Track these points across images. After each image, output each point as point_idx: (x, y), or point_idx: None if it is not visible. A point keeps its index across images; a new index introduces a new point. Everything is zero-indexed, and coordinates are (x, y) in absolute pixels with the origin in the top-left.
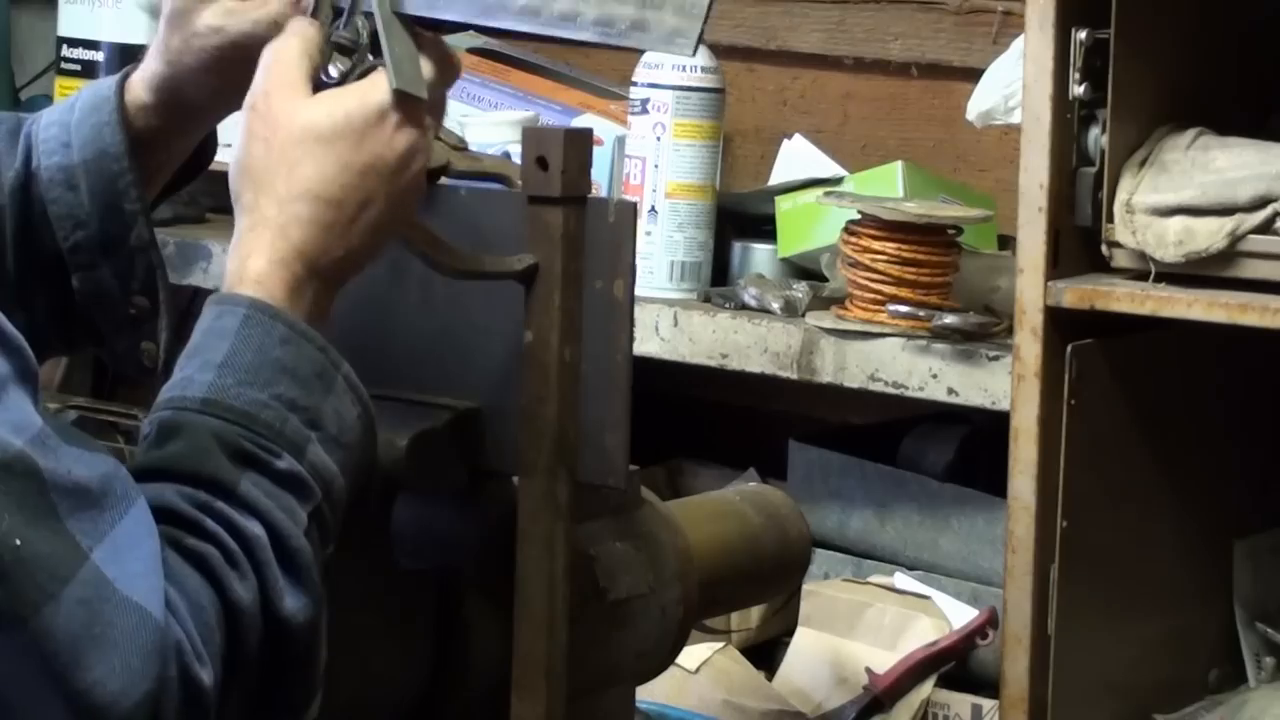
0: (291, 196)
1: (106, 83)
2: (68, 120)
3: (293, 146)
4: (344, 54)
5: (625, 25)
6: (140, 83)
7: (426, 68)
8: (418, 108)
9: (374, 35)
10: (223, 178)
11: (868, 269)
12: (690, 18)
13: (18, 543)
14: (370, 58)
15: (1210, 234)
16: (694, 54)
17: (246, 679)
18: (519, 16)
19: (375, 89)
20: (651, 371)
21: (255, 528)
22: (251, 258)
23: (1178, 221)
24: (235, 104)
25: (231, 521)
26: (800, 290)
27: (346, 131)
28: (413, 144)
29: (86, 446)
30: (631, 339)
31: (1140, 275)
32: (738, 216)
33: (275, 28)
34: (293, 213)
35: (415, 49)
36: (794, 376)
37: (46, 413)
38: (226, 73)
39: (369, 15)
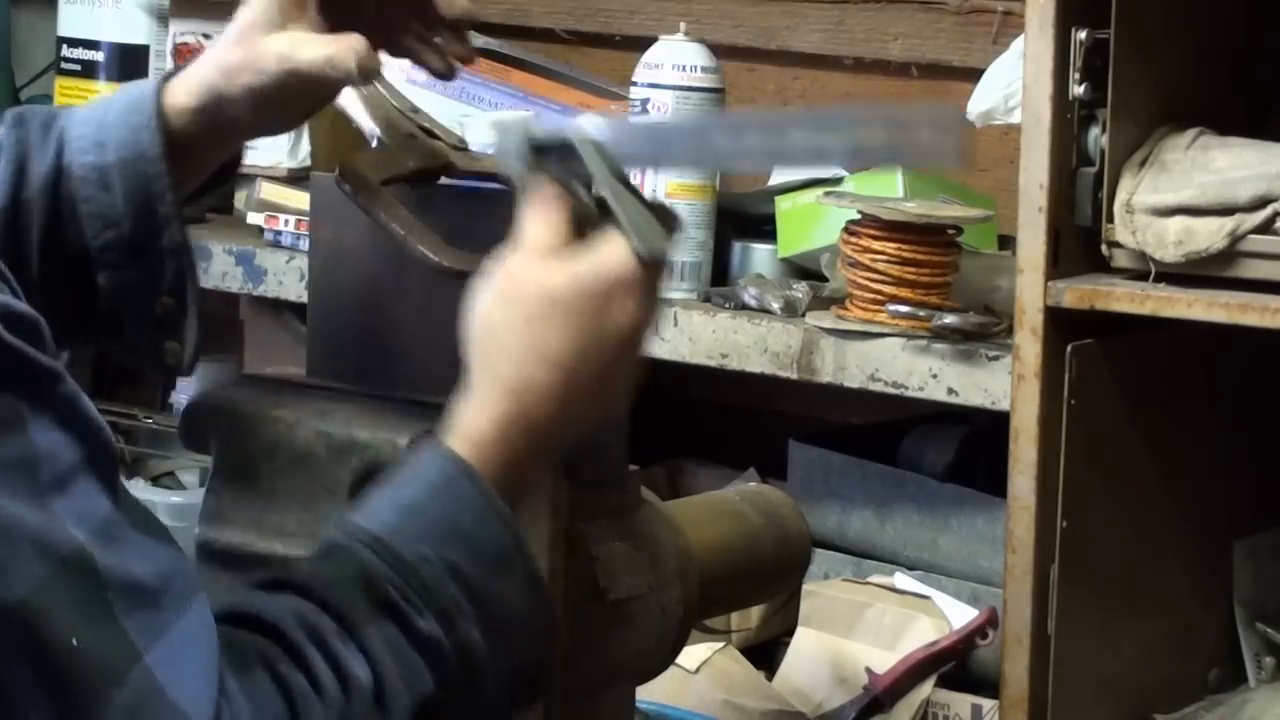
0: (530, 359)
1: (145, 84)
2: (104, 119)
3: (535, 310)
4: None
5: (879, 150)
6: (184, 89)
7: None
8: (655, 271)
9: (599, 200)
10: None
11: (868, 269)
12: (947, 131)
13: (75, 643)
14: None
15: (1210, 234)
16: (961, 164)
17: None
18: (760, 158)
19: (611, 256)
20: (652, 371)
21: (362, 672)
22: (479, 413)
23: (1178, 221)
24: (275, 129)
25: (338, 659)
26: (800, 290)
27: (587, 300)
28: (648, 311)
29: (152, 534)
30: None
31: (1140, 275)
32: (738, 216)
33: (340, 72)
34: (527, 376)
35: (645, 207)
36: (794, 376)
37: (122, 493)
38: (279, 100)
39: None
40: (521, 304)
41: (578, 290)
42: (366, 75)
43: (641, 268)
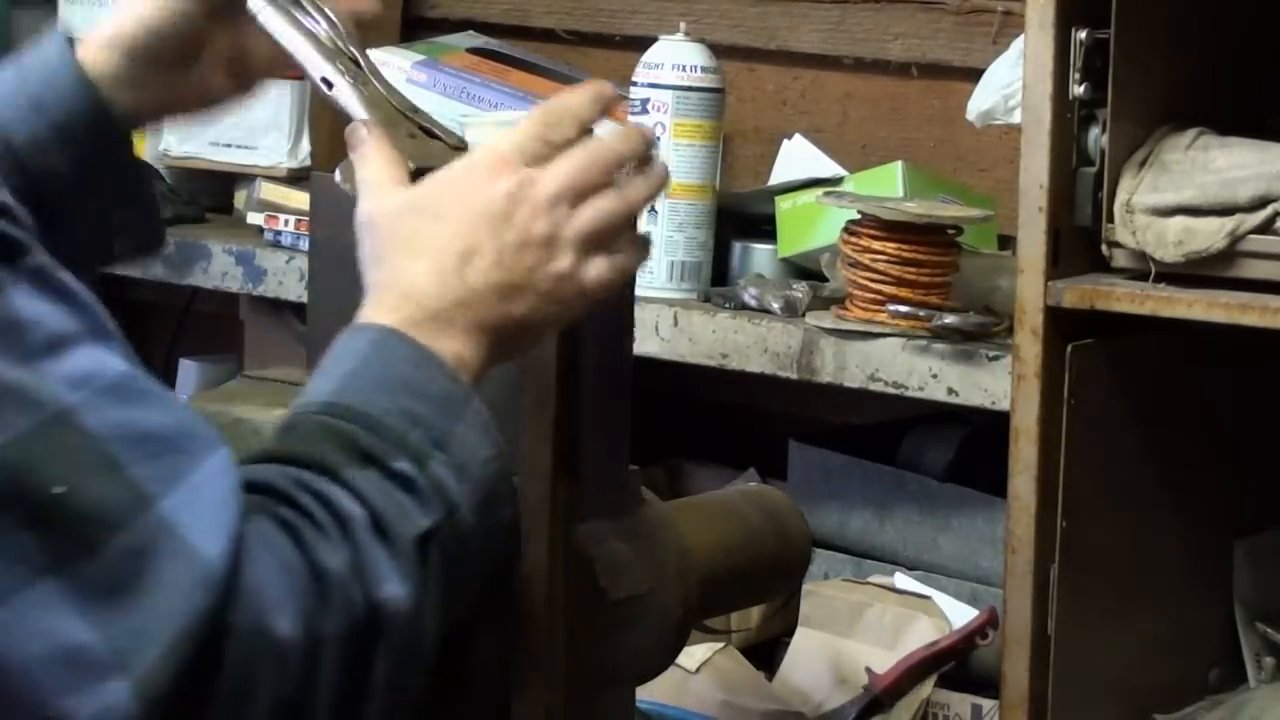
0: (402, 261)
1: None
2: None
3: (394, 226)
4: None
5: None
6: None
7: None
8: (505, 159)
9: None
10: (223, 177)
11: (868, 269)
12: None
13: (56, 490)
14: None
15: (1210, 234)
16: None
17: (341, 652)
18: None
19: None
20: (651, 371)
21: (354, 508)
22: (375, 314)
23: (1178, 221)
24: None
25: (327, 498)
26: (800, 290)
27: (436, 196)
28: (510, 191)
29: (171, 398)
30: (632, 339)
31: (1140, 275)
32: (738, 216)
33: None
34: (404, 269)
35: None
36: (794, 376)
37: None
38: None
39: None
40: (381, 231)
41: (422, 195)
42: None
43: (481, 156)
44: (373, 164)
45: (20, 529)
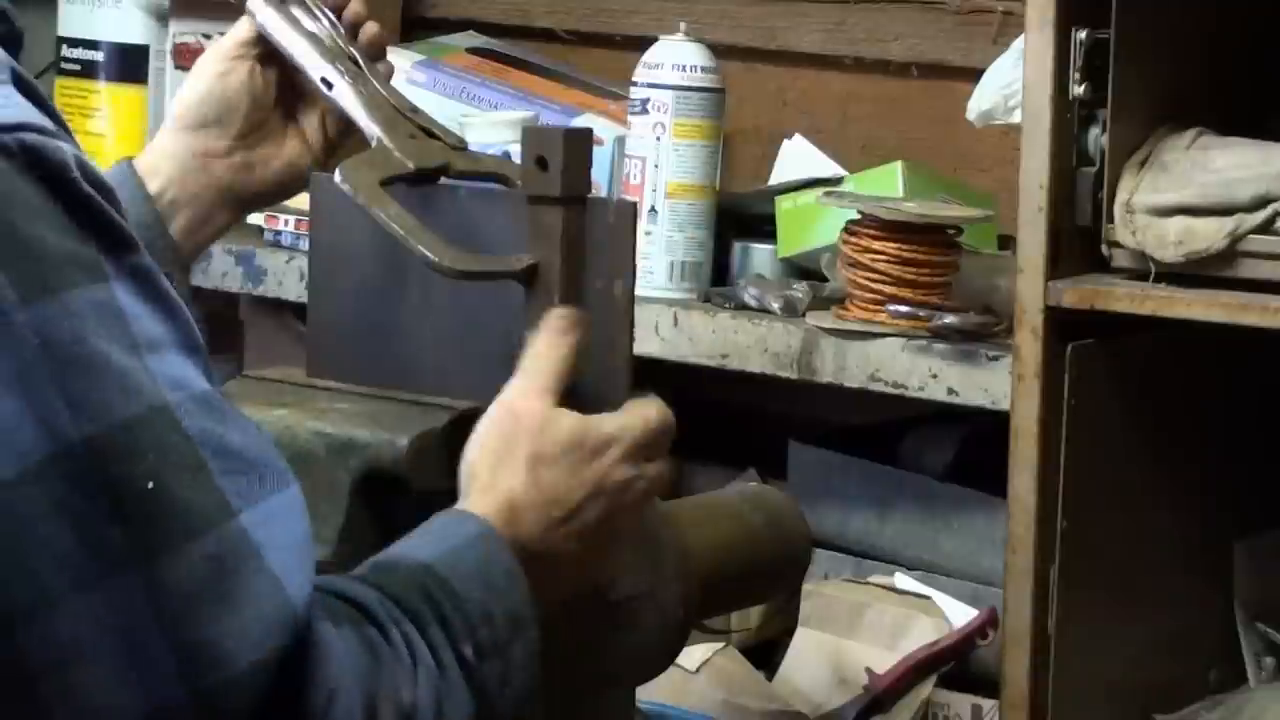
0: (527, 485)
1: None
2: None
3: (538, 449)
4: None
5: None
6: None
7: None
8: (638, 449)
9: None
10: None
11: (868, 269)
12: None
13: (150, 486)
14: None
15: (1210, 234)
16: None
17: None
18: None
19: (632, 417)
20: (651, 371)
21: (430, 662)
22: (489, 511)
23: (1178, 221)
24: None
25: (411, 642)
26: (800, 290)
27: (578, 451)
28: (632, 480)
29: (252, 426)
30: (631, 339)
31: (1140, 275)
32: (738, 216)
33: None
34: (523, 496)
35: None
36: (794, 376)
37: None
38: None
39: None
40: (521, 430)
41: (571, 435)
42: None
43: (652, 433)
44: (554, 359)
45: (109, 522)
